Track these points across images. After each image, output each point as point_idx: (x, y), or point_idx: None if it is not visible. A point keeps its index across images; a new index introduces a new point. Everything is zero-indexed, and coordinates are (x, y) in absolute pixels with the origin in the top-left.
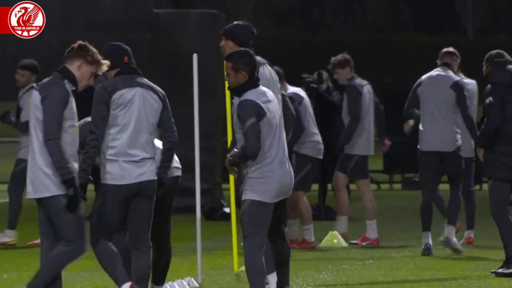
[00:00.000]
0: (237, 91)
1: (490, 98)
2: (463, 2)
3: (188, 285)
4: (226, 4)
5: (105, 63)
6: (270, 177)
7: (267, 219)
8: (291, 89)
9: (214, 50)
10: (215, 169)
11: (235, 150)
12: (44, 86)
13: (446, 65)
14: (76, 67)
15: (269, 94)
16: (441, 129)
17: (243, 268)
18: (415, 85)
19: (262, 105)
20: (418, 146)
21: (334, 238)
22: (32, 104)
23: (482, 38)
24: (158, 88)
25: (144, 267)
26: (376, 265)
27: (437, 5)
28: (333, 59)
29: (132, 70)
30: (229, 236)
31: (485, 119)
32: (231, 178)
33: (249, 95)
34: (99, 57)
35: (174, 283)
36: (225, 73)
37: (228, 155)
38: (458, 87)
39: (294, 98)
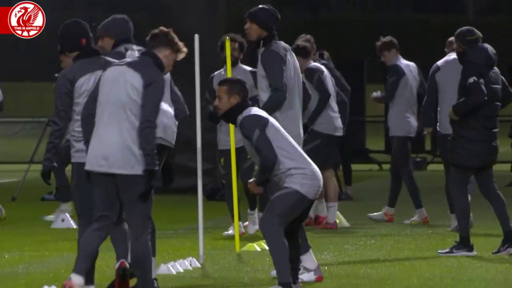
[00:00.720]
0: (228, 116)
1: (474, 78)
2: None
3: (190, 265)
4: None
5: (184, 52)
6: (313, 173)
7: (299, 212)
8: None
9: (215, 32)
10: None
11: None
12: (146, 71)
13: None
14: (164, 55)
15: (256, 109)
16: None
17: (244, 248)
18: (432, 71)
19: (260, 113)
20: (438, 129)
21: (336, 218)
22: (129, 83)
23: (482, 18)
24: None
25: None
26: (378, 245)
27: None
28: (378, 42)
29: (92, 52)
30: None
31: (470, 95)
32: (233, 159)
33: (245, 113)
34: (181, 45)
35: (176, 263)
36: (217, 97)
37: (250, 181)
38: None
39: (315, 69)
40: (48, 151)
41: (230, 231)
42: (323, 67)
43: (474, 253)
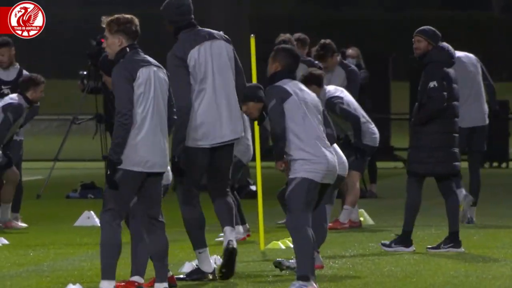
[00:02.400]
0: (270, 79)
1: (435, 83)
2: None
3: (215, 263)
4: None
5: None
6: (317, 156)
7: (315, 197)
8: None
9: (238, 26)
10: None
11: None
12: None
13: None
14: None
15: (304, 87)
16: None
17: (269, 245)
18: None
19: (288, 88)
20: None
21: (361, 216)
22: (164, 81)
23: (508, 15)
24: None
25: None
26: None
27: None
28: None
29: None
30: (256, 214)
31: (428, 100)
32: (257, 156)
33: (280, 82)
34: None
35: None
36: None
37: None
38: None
39: (333, 101)
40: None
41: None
42: (336, 90)
43: (413, 248)
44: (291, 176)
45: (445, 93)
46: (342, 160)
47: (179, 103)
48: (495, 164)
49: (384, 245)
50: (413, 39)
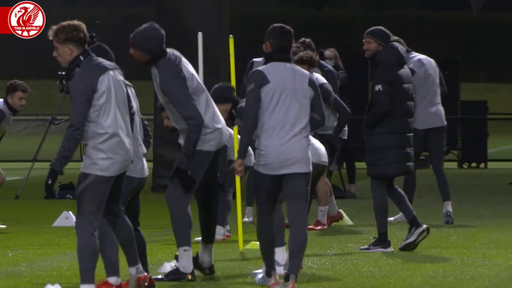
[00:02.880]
0: (264, 59)
1: (380, 87)
2: None
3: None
4: None
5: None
6: (269, 148)
7: (268, 189)
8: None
9: (218, 27)
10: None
11: None
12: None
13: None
14: None
15: (295, 71)
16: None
17: (248, 246)
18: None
19: (267, 75)
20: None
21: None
22: (121, 83)
23: (486, 15)
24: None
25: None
26: None
27: None
28: None
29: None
30: (234, 214)
31: (373, 104)
32: (236, 156)
33: (265, 66)
34: None
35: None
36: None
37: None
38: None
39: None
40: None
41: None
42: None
43: (391, 249)
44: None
45: (389, 97)
46: (315, 147)
47: (195, 119)
48: (473, 164)
49: (362, 249)
50: (363, 40)
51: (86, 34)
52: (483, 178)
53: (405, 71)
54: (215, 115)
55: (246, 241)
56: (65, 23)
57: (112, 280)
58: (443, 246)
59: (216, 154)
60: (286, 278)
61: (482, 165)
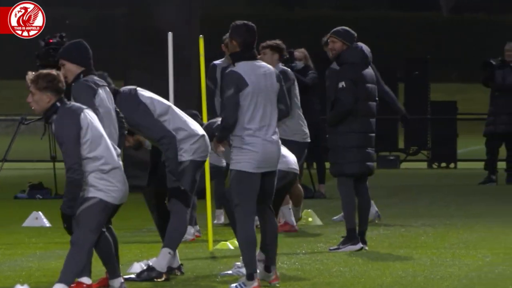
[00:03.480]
0: (232, 59)
1: (343, 83)
2: None
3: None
4: None
5: None
6: (252, 147)
7: (254, 188)
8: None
9: (189, 26)
10: None
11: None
12: None
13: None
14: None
15: (264, 69)
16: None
17: (218, 246)
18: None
19: (245, 77)
20: None
21: (309, 216)
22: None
23: (457, 16)
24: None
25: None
26: None
27: None
28: None
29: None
30: (204, 214)
31: (336, 102)
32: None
33: (238, 66)
34: None
35: (149, 261)
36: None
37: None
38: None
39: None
40: None
41: None
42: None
43: (360, 245)
44: (231, 167)
45: (352, 95)
46: (283, 154)
47: (167, 137)
48: (443, 164)
49: (332, 250)
50: (328, 40)
51: (64, 84)
52: (453, 178)
53: (369, 71)
54: (193, 123)
55: (216, 241)
56: (45, 71)
57: (83, 279)
58: (412, 246)
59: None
60: (267, 268)
61: (452, 165)
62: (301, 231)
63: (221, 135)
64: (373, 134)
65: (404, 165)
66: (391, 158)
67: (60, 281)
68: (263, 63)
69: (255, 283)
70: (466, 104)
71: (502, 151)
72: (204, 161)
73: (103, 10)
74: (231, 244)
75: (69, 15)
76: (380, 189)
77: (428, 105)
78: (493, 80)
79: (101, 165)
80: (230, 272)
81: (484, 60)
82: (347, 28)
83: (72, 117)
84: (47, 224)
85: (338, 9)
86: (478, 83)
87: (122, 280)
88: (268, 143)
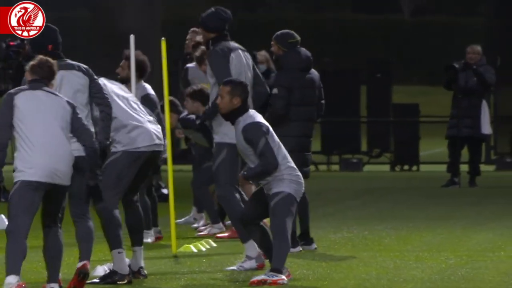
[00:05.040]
0: (229, 116)
1: (276, 90)
2: None
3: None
4: None
5: None
6: (298, 178)
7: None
8: None
9: (151, 29)
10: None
11: (249, 168)
12: None
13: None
14: None
15: (258, 115)
16: None
17: (181, 249)
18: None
19: (262, 121)
20: None
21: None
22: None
23: (419, 18)
24: (81, 65)
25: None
26: None
27: None
28: None
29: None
30: (167, 218)
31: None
32: (169, 159)
33: (248, 118)
34: None
35: (112, 264)
36: (220, 96)
37: (243, 172)
38: None
39: None
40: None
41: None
42: None
43: (299, 249)
44: (276, 190)
45: (284, 100)
46: None
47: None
48: (406, 167)
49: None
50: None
51: None
52: (416, 181)
53: (309, 76)
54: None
55: (180, 244)
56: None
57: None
58: (376, 249)
59: (150, 157)
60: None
61: (414, 168)
62: None
63: (259, 177)
64: (310, 138)
65: (367, 167)
66: (354, 161)
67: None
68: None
69: (286, 273)
70: (429, 106)
71: (464, 153)
72: (141, 154)
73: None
74: (195, 247)
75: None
76: (343, 192)
77: (390, 107)
78: (456, 83)
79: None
80: (234, 268)
81: (447, 64)
82: (287, 31)
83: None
84: None
85: (302, 11)
86: (440, 86)
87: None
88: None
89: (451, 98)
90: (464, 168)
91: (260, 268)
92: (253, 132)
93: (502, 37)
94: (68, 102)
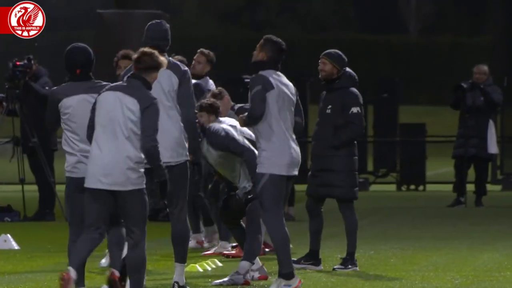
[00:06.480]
0: (254, 66)
1: (358, 109)
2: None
3: None
4: (170, 3)
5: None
6: (284, 149)
7: (284, 191)
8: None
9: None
10: None
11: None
12: (140, 96)
13: None
14: (151, 77)
15: (285, 79)
16: None
17: (187, 268)
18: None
19: (272, 80)
20: None
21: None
22: (125, 106)
23: (425, 37)
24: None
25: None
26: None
27: (381, 3)
28: None
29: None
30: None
31: (349, 125)
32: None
33: (265, 72)
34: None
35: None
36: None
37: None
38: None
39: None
40: None
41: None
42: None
43: (321, 267)
44: (258, 171)
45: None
46: None
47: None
48: (412, 187)
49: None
50: (319, 61)
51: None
52: (422, 200)
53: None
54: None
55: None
56: None
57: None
58: (382, 268)
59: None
60: (291, 275)
61: (420, 187)
62: (268, 253)
63: (248, 121)
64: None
65: (373, 187)
66: (361, 180)
67: None
68: (282, 75)
69: (297, 280)
70: (435, 126)
71: (471, 173)
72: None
73: (68, 31)
74: (200, 267)
75: (37, 36)
76: (332, 212)
77: (397, 127)
78: (463, 102)
79: None
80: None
81: (455, 84)
82: (338, 52)
83: None
84: (16, 247)
85: (307, 31)
86: (447, 106)
87: None
88: (294, 147)
89: (458, 118)
90: (470, 187)
91: (262, 279)
92: (253, 80)
93: (509, 56)
94: None
